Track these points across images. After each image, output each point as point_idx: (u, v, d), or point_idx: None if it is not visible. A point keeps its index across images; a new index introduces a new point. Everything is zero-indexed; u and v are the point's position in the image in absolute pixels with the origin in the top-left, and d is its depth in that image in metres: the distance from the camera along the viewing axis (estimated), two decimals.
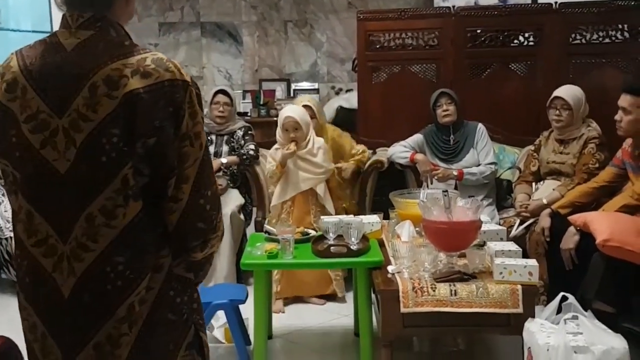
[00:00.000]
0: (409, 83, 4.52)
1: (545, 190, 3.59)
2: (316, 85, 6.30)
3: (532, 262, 2.55)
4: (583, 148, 3.52)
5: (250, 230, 3.99)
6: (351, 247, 2.77)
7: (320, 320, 3.49)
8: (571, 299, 2.41)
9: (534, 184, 3.76)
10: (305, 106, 3.82)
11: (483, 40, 4.50)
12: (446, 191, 2.63)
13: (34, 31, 5.05)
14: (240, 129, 4.24)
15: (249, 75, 6.47)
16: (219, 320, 3.14)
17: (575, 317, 2.32)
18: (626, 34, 4.35)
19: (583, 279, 2.83)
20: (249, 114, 6.03)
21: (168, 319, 1.30)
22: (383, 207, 3.34)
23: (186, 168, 1.25)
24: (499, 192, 4.05)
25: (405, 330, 2.57)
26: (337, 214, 3.60)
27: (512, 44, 4.53)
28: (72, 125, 1.20)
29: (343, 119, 5.17)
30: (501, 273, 2.49)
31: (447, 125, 3.97)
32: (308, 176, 3.67)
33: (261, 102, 6.14)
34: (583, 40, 4.38)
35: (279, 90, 6.27)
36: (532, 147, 3.88)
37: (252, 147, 4.14)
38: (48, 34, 1.30)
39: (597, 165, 3.43)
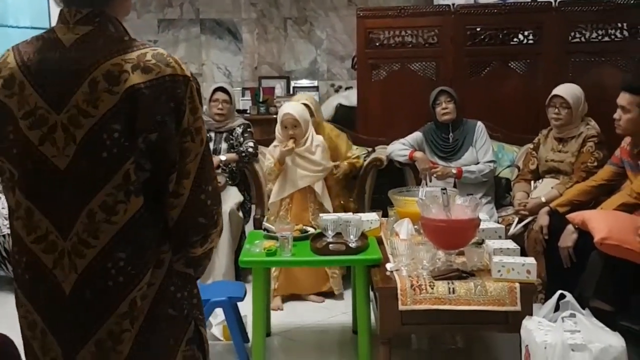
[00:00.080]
0: (409, 81, 4.52)
1: (544, 189, 3.59)
2: (316, 83, 6.30)
3: (530, 260, 2.56)
4: (582, 146, 3.52)
5: (249, 227, 3.99)
6: (350, 244, 2.78)
7: (319, 317, 3.50)
8: (569, 297, 2.41)
9: (532, 182, 3.77)
10: (302, 104, 3.81)
11: (483, 39, 4.50)
12: (445, 189, 2.63)
13: (32, 27, 5.04)
14: (239, 126, 4.24)
15: (249, 72, 6.47)
16: (217, 317, 3.15)
17: (573, 315, 2.33)
18: (625, 33, 4.35)
19: (581, 277, 2.84)
20: (248, 112, 6.02)
21: (169, 315, 1.30)
22: (382, 205, 3.34)
23: (187, 163, 1.25)
24: (498, 190, 4.06)
25: (404, 328, 2.58)
26: (335, 211, 3.60)
27: (511, 42, 4.54)
28: (72, 121, 1.20)
29: (342, 116, 5.17)
30: (499, 271, 2.49)
31: (446, 123, 3.97)
32: (306, 174, 3.67)
33: (260, 100, 6.13)
34: (582, 39, 4.38)
35: (279, 87, 6.27)
36: (531, 146, 3.88)
37: (251, 144, 4.14)
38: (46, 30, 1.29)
39: (595, 163, 3.43)
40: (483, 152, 3.94)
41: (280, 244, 2.79)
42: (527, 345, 2.34)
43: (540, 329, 2.30)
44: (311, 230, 3.09)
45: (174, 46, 6.32)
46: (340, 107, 5.37)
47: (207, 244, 1.34)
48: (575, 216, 3.03)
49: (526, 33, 4.49)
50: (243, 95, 6.22)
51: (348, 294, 3.55)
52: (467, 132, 3.98)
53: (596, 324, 2.31)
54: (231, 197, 4.01)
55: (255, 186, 4.16)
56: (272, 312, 3.37)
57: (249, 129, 4.26)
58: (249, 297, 2.92)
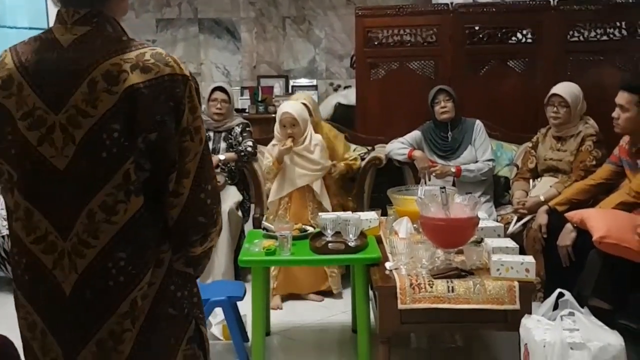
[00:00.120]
0: (407, 80, 4.52)
1: (543, 187, 3.59)
2: (314, 82, 6.31)
3: (529, 258, 2.56)
4: (580, 145, 3.52)
5: (248, 227, 3.99)
6: (349, 243, 2.78)
7: (318, 316, 3.50)
8: (568, 295, 2.41)
9: (531, 181, 3.77)
10: (301, 103, 3.81)
11: (481, 37, 4.50)
12: (444, 188, 2.64)
13: (30, 28, 5.04)
14: (238, 125, 4.24)
15: (247, 71, 6.47)
16: (217, 317, 3.15)
17: (571, 314, 2.33)
18: (624, 32, 4.35)
19: (580, 276, 2.84)
20: (247, 111, 6.03)
21: (169, 314, 1.31)
22: (381, 204, 3.34)
23: (187, 162, 1.25)
24: (497, 189, 4.06)
25: (403, 327, 2.58)
26: (333, 210, 3.60)
27: (510, 41, 4.53)
28: (71, 122, 1.20)
29: (341, 115, 5.17)
30: (498, 270, 2.50)
31: (445, 122, 3.97)
32: (304, 172, 3.67)
33: (259, 99, 6.13)
34: (581, 38, 4.38)
35: (277, 86, 6.27)
36: (529, 144, 3.88)
37: (250, 143, 4.14)
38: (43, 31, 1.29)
39: (594, 162, 3.43)
40: (482, 150, 3.94)
41: (280, 243, 2.79)
42: (526, 344, 2.34)
43: (539, 327, 2.31)
44: (310, 229, 3.09)
45: (172, 46, 6.32)
46: (339, 106, 5.37)
47: (207, 243, 1.35)
48: (574, 215, 3.03)
49: (525, 32, 4.49)
50: (242, 95, 6.22)
51: (347, 293, 3.56)
52: (466, 131, 3.98)
53: (595, 322, 2.31)
54: (230, 197, 4.01)
55: (254, 185, 4.16)
56: (271, 311, 3.37)
57: (247, 128, 4.26)
58: (248, 297, 2.92)
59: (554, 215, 3.27)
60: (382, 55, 4.58)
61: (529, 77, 4.44)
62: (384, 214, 3.20)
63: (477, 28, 4.50)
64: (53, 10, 1.32)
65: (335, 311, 3.55)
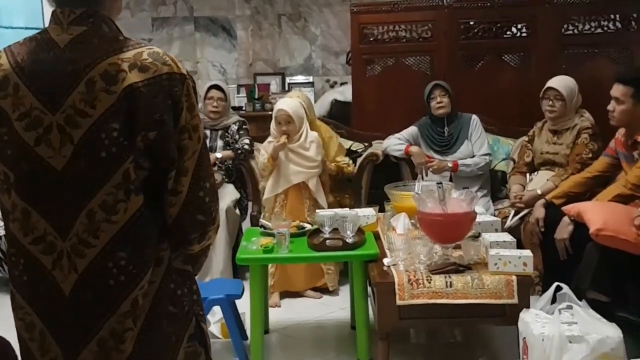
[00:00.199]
0: (403, 75, 4.52)
1: (539, 181, 3.60)
2: (311, 79, 6.30)
3: (527, 252, 2.57)
4: (576, 138, 3.53)
5: (246, 224, 3.99)
6: (347, 240, 2.78)
7: (317, 314, 3.50)
8: (566, 288, 2.42)
9: (528, 174, 3.77)
10: (297, 100, 3.80)
11: (476, 32, 4.51)
12: (441, 183, 2.64)
13: (26, 28, 5.03)
14: (234, 123, 4.24)
15: (244, 69, 6.46)
16: (215, 315, 3.14)
17: (569, 307, 2.34)
18: (618, 24, 4.36)
19: (577, 269, 2.85)
20: (243, 108, 6.02)
21: (170, 312, 1.31)
22: (378, 200, 3.35)
23: (185, 161, 1.26)
24: (494, 184, 4.06)
25: (402, 323, 2.58)
26: (330, 207, 3.60)
27: (505, 36, 4.55)
28: (68, 122, 1.20)
29: (338, 112, 5.18)
30: (496, 264, 2.50)
31: (441, 117, 3.97)
32: (299, 169, 3.66)
33: (256, 96, 6.12)
34: (575, 31, 4.40)
35: (274, 84, 6.27)
36: (525, 138, 3.89)
37: (247, 141, 4.14)
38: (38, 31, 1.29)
39: (590, 155, 3.44)
40: (478, 145, 3.95)
41: (277, 241, 2.79)
42: (524, 338, 2.35)
43: (537, 321, 2.31)
44: (308, 226, 3.10)
45: (168, 44, 6.31)
46: (335, 103, 5.37)
47: (205, 241, 1.35)
48: (571, 208, 3.04)
49: (519, 26, 4.50)
50: (238, 92, 6.21)
51: (346, 290, 3.56)
52: (462, 126, 3.98)
53: (593, 315, 2.32)
54: (228, 195, 4.00)
55: (251, 183, 4.16)
56: (270, 309, 3.37)
57: (244, 126, 4.26)
58: (246, 295, 2.92)
59: (551, 209, 3.27)
60: (378, 52, 4.58)
61: (524, 71, 4.45)
62: (382, 210, 3.20)
63: (472, 23, 4.51)
64: (49, 10, 1.32)
65: (334, 308, 3.55)
